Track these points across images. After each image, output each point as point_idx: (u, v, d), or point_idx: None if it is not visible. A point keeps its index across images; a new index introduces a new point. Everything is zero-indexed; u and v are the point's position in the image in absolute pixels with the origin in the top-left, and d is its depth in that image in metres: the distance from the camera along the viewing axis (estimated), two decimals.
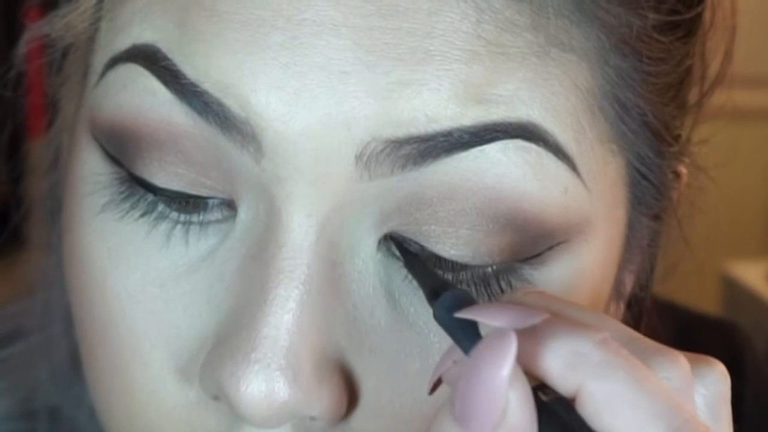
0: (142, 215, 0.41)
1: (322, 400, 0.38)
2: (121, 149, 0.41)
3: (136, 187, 0.41)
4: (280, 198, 0.38)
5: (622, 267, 0.46)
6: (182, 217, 0.41)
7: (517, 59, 0.38)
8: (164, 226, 0.41)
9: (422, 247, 0.39)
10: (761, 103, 1.67)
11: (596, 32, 0.39)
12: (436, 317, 0.37)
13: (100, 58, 0.42)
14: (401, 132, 0.37)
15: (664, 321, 0.54)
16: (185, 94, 0.39)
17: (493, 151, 0.38)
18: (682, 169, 0.47)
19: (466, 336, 0.35)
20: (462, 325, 0.36)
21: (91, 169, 0.43)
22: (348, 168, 0.38)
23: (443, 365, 0.36)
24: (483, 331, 0.35)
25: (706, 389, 0.35)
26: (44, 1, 0.47)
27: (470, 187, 0.38)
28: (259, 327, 0.37)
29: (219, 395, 0.39)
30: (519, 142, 0.38)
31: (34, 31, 0.47)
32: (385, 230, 0.39)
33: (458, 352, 0.35)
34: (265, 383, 0.37)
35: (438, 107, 0.37)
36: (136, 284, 0.41)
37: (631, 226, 0.45)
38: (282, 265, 0.38)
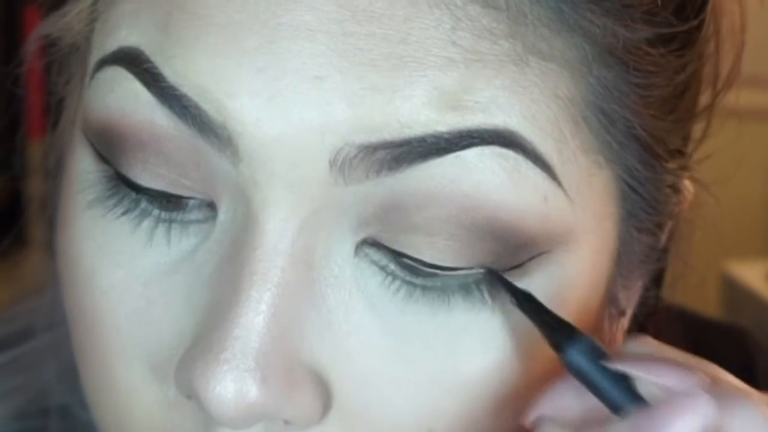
0: (125, 212, 0.42)
1: (294, 404, 0.39)
2: (109, 149, 0.41)
3: (122, 185, 0.41)
4: (256, 201, 0.38)
5: (613, 281, 0.45)
6: (164, 215, 0.41)
7: (495, 66, 0.38)
8: (147, 224, 0.41)
9: (402, 254, 0.39)
10: (762, 103, 1.67)
11: (579, 42, 0.39)
12: (571, 364, 0.37)
13: (93, 59, 0.43)
14: (374, 137, 0.37)
15: (673, 328, 0.54)
16: (165, 97, 0.39)
17: (469, 157, 0.38)
18: (686, 185, 0.47)
19: (619, 389, 0.37)
20: (606, 375, 0.37)
21: (82, 167, 0.43)
22: (323, 173, 0.38)
23: (552, 405, 0.38)
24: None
25: None
26: (44, 2, 0.47)
27: (447, 194, 0.38)
28: (230, 328, 0.38)
29: (191, 395, 0.39)
30: (496, 149, 0.38)
31: (39, 31, 0.48)
32: (362, 235, 0.39)
33: (571, 398, 0.37)
34: (233, 384, 0.37)
35: (411, 113, 0.37)
36: (121, 282, 0.42)
37: (622, 240, 0.44)
38: (255, 267, 0.38)
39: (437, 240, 0.39)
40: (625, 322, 0.48)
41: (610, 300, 0.46)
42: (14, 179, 0.57)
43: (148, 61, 0.39)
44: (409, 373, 0.40)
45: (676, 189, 0.46)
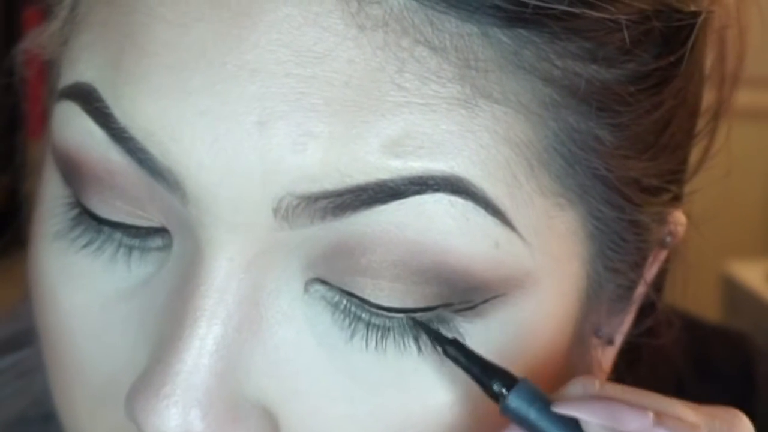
0: (87, 244, 0.42)
1: None
2: (69, 177, 0.42)
3: (85, 215, 0.42)
4: (203, 240, 0.38)
5: (586, 319, 0.44)
6: (125, 240, 0.41)
7: (442, 110, 0.37)
8: (110, 249, 0.41)
9: (350, 294, 0.39)
10: (761, 103, 1.67)
11: (538, 85, 0.38)
12: (512, 412, 0.37)
13: (58, 85, 0.42)
14: (315, 187, 0.37)
15: (672, 333, 0.53)
16: (117, 137, 0.39)
17: (414, 204, 0.37)
18: (676, 218, 0.46)
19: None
20: (552, 420, 0.36)
21: (50, 191, 0.44)
22: (267, 219, 0.37)
23: None
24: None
25: None
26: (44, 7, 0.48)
27: (391, 239, 0.37)
28: (172, 363, 0.38)
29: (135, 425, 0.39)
30: (442, 196, 0.37)
31: (26, 42, 0.48)
32: (311, 275, 0.39)
33: None
34: (172, 420, 0.37)
35: (351, 162, 0.37)
36: (81, 304, 0.42)
37: (591, 279, 0.43)
38: (199, 303, 0.38)
39: (382, 282, 0.38)
40: (613, 351, 0.48)
41: (590, 333, 0.45)
42: (13, 178, 0.57)
43: (99, 99, 0.39)
44: (357, 412, 0.39)
45: (661, 223, 0.45)
